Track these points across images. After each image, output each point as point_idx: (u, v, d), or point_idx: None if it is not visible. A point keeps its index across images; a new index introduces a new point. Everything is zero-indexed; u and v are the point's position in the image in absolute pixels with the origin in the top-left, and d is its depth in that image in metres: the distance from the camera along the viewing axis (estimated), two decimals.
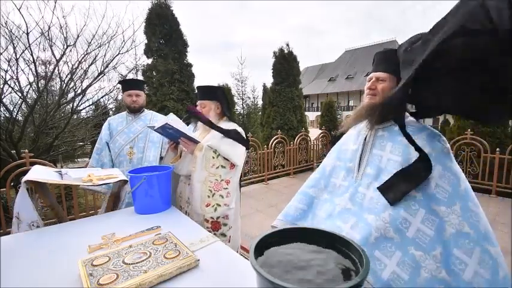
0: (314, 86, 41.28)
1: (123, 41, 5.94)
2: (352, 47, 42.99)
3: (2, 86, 4.96)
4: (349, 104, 35.13)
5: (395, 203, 1.00)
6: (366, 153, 1.17)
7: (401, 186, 0.99)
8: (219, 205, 1.76)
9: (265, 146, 5.81)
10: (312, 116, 35.54)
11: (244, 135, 1.92)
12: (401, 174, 1.00)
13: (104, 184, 1.59)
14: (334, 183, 1.26)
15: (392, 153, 1.07)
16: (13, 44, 4.64)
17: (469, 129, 4.80)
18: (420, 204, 0.98)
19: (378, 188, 1.05)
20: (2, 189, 3.05)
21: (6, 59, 4.74)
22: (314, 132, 7.90)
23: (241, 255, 1.16)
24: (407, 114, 1.18)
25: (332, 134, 7.39)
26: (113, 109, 8.13)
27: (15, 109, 5.45)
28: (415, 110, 1.19)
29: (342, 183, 1.22)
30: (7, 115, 5.45)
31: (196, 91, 2.47)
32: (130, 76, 7.42)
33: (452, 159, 1.06)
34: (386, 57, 1.16)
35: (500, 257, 0.92)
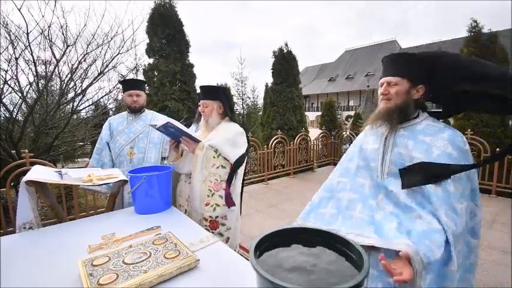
0: (314, 86, 41.31)
1: (123, 40, 5.93)
2: (352, 47, 43.04)
3: (2, 86, 4.97)
4: (349, 104, 35.15)
5: (405, 188, 1.07)
6: (388, 152, 1.17)
7: (417, 177, 1.04)
8: (218, 205, 1.76)
9: (265, 146, 5.81)
10: (312, 116, 35.54)
11: (245, 135, 1.92)
12: (423, 167, 1.03)
13: (104, 184, 1.59)
14: (360, 183, 1.26)
15: (414, 152, 1.09)
16: (12, 44, 4.65)
17: (469, 129, 4.80)
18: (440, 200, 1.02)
19: (400, 169, 1.09)
20: (2, 189, 3.05)
21: (6, 59, 4.74)
22: (314, 132, 7.90)
23: (241, 255, 1.16)
24: (426, 114, 1.19)
25: (332, 134, 7.39)
26: (113, 109, 8.13)
27: (15, 109, 5.45)
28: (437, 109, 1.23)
29: (366, 182, 1.23)
30: (7, 115, 5.46)
31: (197, 91, 2.48)
32: (131, 76, 7.42)
33: (470, 160, 1.08)
34: (395, 61, 1.17)
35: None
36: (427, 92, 1.14)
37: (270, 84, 7.84)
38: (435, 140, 1.08)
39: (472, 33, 5.33)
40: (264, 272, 0.52)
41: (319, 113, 9.27)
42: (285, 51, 7.38)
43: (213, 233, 1.74)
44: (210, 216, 1.76)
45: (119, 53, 5.97)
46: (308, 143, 6.74)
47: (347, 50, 43.34)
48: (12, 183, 3.07)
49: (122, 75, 6.96)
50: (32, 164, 2.87)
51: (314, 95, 40.36)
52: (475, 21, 5.34)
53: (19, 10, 4.48)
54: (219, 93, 1.93)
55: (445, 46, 31.47)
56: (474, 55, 5.15)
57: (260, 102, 13.59)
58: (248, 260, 1.06)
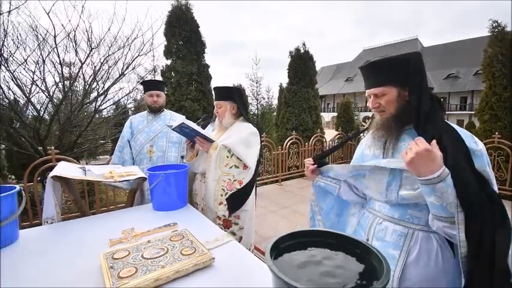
0: (330, 86, 40.71)
1: (143, 43, 6.11)
2: (370, 46, 42.08)
3: (30, 86, 5.26)
4: (367, 105, 34.28)
5: None
6: (388, 158, 1.11)
7: None
8: None
9: (280, 147, 5.79)
10: (327, 116, 35.03)
11: (258, 136, 1.93)
12: None
13: (124, 181, 1.65)
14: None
15: None
16: (40, 47, 4.90)
17: (496, 133, 4.57)
18: None
19: None
20: (29, 184, 3.21)
21: (34, 60, 5.01)
22: (330, 134, 7.79)
23: (255, 255, 1.17)
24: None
25: (348, 135, 7.26)
26: (132, 109, 8.39)
27: (42, 108, 5.75)
28: None
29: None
30: (35, 114, 5.76)
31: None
32: (149, 77, 7.62)
33: (484, 162, 0.95)
34: (375, 69, 1.09)
35: None
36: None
37: (285, 85, 7.81)
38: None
39: (495, 33, 5.06)
40: (281, 273, 0.53)
41: (335, 114, 9.15)
42: (302, 51, 7.33)
43: (226, 231, 1.77)
44: (224, 215, 1.79)
45: (138, 55, 6.16)
46: (323, 144, 6.65)
47: (365, 49, 42.41)
48: (39, 178, 3.23)
49: (140, 76, 7.17)
50: (58, 160, 3.01)
51: (330, 96, 39.77)
52: (496, 21, 5.07)
53: (47, 14, 4.71)
54: (232, 94, 1.95)
55: (464, 47, 30.19)
56: (500, 54, 4.90)
57: (275, 102, 13.59)
58: (262, 261, 1.07)
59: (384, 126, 1.10)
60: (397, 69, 1.03)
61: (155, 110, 2.37)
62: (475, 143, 0.97)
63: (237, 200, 1.81)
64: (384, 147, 1.13)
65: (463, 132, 0.99)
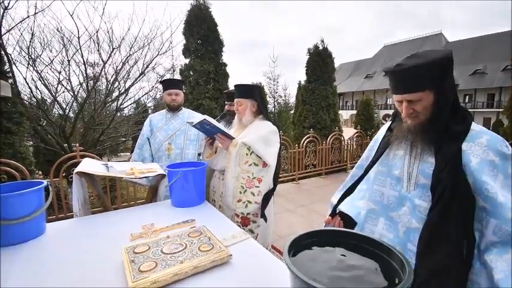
0: (349, 83, 39.88)
1: (162, 42, 6.26)
2: (391, 42, 40.80)
3: (56, 86, 5.52)
4: (388, 103, 33.41)
5: None
6: (416, 160, 1.03)
7: None
8: (250, 202, 1.78)
9: (297, 145, 5.74)
10: (346, 114, 34.40)
11: (278, 134, 1.92)
12: None
13: (144, 177, 1.69)
14: (381, 193, 1.13)
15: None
16: (65, 48, 5.13)
17: None
18: (490, 214, 0.87)
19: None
20: (55, 179, 3.37)
21: (59, 61, 5.25)
22: (348, 132, 7.63)
23: (272, 253, 1.16)
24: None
25: (369, 134, 7.08)
26: (152, 107, 8.61)
27: (67, 107, 6.03)
28: None
29: (390, 192, 1.10)
30: (60, 112, 6.05)
31: (227, 90, 2.54)
32: (168, 76, 7.79)
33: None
34: (411, 74, 0.96)
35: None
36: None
37: (303, 82, 7.72)
38: (472, 146, 0.93)
39: None
40: (299, 272, 0.52)
41: (354, 112, 8.97)
42: (320, 48, 7.21)
43: (243, 229, 1.78)
44: (242, 213, 1.79)
45: (158, 54, 6.31)
46: (341, 143, 6.53)
47: (386, 45, 41.18)
48: (64, 174, 3.39)
49: (160, 75, 7.34)
50: (82, 156, 3.14)
51: (349, 93, 38.99)
52: None
53: (71, 16, 4.92)
54: (252, 92, 1.95)
55: (492, 41, 28.60)
56: None
57: (291, 100, 13.53)
58: (279, 259, 1.06)
59: (421, 132, 1.00)
60: (434, 72, 0.94)
61: (174, 109, 2.41)
62: (506, 147, 0.92)
63: (266, 199, 1.84)
64: (410, 149, 1.06)
65: (494, 136, 0.94)
